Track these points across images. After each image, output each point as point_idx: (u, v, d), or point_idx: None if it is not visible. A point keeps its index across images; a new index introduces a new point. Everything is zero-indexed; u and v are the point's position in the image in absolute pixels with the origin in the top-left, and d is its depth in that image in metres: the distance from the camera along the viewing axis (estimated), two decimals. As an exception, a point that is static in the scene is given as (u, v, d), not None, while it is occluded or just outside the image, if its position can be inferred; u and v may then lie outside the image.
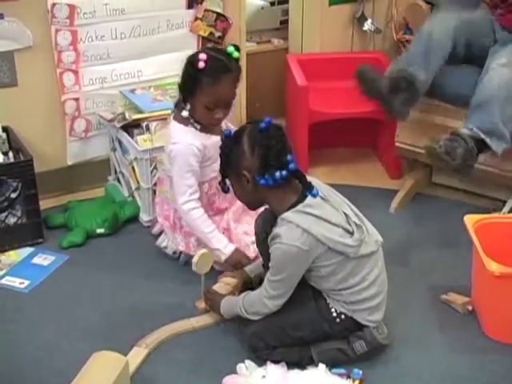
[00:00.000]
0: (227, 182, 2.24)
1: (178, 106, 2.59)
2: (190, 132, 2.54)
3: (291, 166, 2.06)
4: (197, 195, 2.56)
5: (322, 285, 2.18)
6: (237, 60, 2.48)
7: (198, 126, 2.54)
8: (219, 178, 2.27)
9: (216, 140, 2.41)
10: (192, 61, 2.45)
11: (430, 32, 2.91)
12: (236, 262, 2.54)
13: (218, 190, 2.61)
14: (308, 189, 2.12)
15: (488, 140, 2.71)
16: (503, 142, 2.73)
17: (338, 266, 2.11)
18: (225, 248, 2.55)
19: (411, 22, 3.42)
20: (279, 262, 2.10)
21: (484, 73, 2.83)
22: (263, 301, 2.17)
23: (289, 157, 2.07)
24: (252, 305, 2.21)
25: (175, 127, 2.57)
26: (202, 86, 2.43)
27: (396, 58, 3.06)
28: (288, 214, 2.08)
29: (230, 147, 2.14)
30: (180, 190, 2.56)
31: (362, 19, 3.74)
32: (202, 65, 2.40)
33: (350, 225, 2.11)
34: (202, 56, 2.40)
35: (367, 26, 3.74)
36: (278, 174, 2.06)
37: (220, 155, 2.18)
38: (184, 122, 2.55)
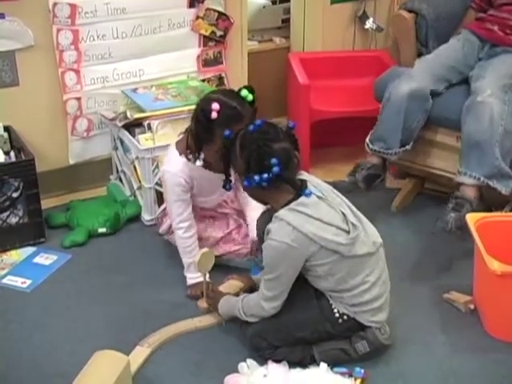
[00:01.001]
0: (232, 180, 2.26)
1: (185, 135, 2.50)
2: (183, 162, 2.49)
3: (275, 169, 2.04)
4: (186, 224, 2.54)
5: (321, 285, 2.18)
6: (251, 103, 2.37)
7: (199, 163, 2.49)
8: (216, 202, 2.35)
9: (208, 176, 2.40)
10: (204, 109, 2.35)
11: (404, 108, 2.79)
12: (191, 294, 2.53)
13: (216, 212, 2.71)
14: (301, 189, 2.12)
15: (496, 184, 2.66)
16: (510, 180, 2.67)
17: (334, 265, 2.10)
18: (189, 278, 2.56)
19: (396, 33, 3.33)
20: (271, 260, 2.10)
21: (472, 98, 2.72)
22: (260, 303, 2.17)
23: (273, 160, 2.04)
24: (250, 307, 2.22)
25: (172, 152, 2.54)
26: (214, 136, 2.35)
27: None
28: (281, 212, 2.09)
29: (228, 148, 2.16)
30: (171, 214, 2.58)
31: (363, 17, 3.74)
32: (214, 115, 2.32)
33: (347, 224, 2.11)
34: (215, 106, 2.31)
35: (369, 24, 3.74)
36: (257, 177, 2.06)
37: (221, 155, 2.19)
38: (181, 150, 2.50)
